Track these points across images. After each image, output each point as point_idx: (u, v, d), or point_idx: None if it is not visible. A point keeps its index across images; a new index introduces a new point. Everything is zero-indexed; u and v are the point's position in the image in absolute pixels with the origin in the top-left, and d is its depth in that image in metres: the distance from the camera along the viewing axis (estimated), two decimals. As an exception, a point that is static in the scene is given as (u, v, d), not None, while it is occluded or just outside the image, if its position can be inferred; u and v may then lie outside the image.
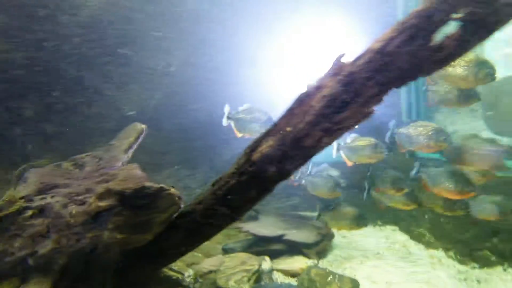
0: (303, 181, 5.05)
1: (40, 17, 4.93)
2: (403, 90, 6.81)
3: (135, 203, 2.73)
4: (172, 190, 2.83)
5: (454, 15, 1.96)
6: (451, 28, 2.04)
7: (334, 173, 5.04)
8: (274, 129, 2.57)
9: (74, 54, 5.28)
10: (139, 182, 2.95)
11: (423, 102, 6.64)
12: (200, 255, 4.62)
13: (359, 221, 4.56)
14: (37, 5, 4.88)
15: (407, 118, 6.85)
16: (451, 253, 5.04)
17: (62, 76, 5.24)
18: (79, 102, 5.46)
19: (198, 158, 6.57)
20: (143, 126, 3.90)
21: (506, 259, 4.56)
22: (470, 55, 3.37)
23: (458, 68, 3.39)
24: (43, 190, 3.11)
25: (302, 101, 2.43)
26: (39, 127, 5.20)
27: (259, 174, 2.60)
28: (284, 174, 2.63)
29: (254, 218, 5.70)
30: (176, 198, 2.85)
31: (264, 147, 2.57)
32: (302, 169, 4.86)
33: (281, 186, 2.74)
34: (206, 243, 3.15)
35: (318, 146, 2.49)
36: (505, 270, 4.50)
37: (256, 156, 2.59)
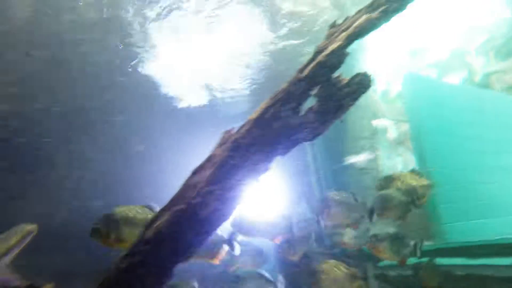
0: None
1: None
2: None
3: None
4: (48, 286, 2.36)
5: (311, 91, 2.42)
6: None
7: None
8: (170, 204, 2.50)
9: None
10: (4, 283, 2.43)
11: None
12: None
13: None
14: None
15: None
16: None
17: None
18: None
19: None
20: (33, 226, 3.43)
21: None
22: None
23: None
24: None
25: (195, 173, 2.50)
26: None
27: (154, 254, 2.36)
28: (181, 253, 2.42)
29: None
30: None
31: (158, 223, 2.43)
32: None
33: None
34: None
35: (215, 217, 2.43)
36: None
37: (150, 233, 2.41)
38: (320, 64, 2.38)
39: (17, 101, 5.26)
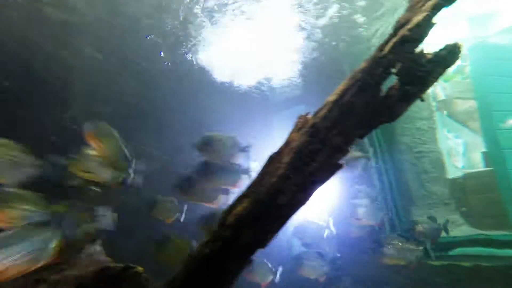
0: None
1: None
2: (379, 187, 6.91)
3: None
4: (139, 269, 2.52)
5: (392, 70, 2.28)
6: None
7: None
8: (248, 190, 2.53)
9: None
10: (100, 266, 2.64)
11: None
12: None
13: None
14: None
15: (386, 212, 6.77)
16: None
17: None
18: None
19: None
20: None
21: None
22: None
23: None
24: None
25: (273, 158, 2.49)
26: None
27: (236, 240, 2.41)
28: (262, 239, 2.45)
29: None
30: (144, 280, 2.52)
31: (239, 209, 2.47)
32: None
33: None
34: None
35: (293, 204, 2.42)
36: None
37: (230, 219, 2.46)
38: (402, 39, 2.22)
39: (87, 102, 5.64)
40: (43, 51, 5.26)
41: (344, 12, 6.40)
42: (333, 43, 6.72)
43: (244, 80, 6.81)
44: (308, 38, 6.64)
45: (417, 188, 6.61)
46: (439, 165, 6.96)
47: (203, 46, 6.08)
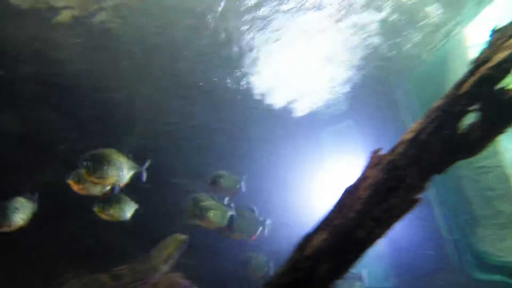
0: None
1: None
2: (436, 205, 6.69)
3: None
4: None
5: (471, 108, 2.30)
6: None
7: None
8: (324, 222, 2.63)
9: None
10: (185, 289, 2.84)
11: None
12: None
13: None
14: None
15: (447, 233, 6.51)
16: None
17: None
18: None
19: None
20: (184, 237, 3.93)
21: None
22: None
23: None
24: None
25: (349, 192, 2.58)
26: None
27: (315, 271, 2.52)
28: (340, 270, 2.54)
29: None
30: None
31: (316, 241, 2.58)
32: None
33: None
34: None
35: (370, 238, 2.49)
36: None
37: (309, 251, 2.57)
38: (483, 78, 2.25)
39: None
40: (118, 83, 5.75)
41: (393, 29, 6.38)
42: (381, 60, 6.70)
43: (291, 100, 6.96)
44: (355, 54, 6.68)
45: (482, 207, 6.22)
46: (505, 180, 6.43)
47: (256, 72, 6.31)
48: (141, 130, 6.03)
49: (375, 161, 2.53)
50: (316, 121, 7.66)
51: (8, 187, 4.45)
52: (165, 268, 3.62)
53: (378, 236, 2.49)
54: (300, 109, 7.33)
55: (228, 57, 6.05)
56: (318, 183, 7.90)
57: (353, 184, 2.59)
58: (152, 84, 5.98)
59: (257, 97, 6.74)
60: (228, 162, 6.77)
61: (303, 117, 7.37)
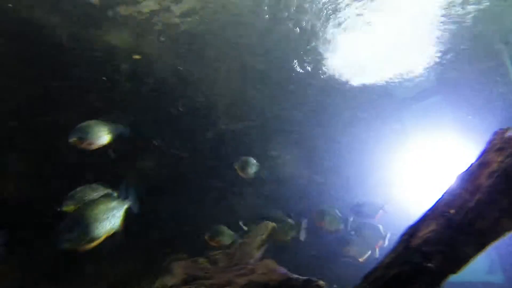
0: None
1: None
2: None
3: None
4: (320, 283, 2.66)
5: None
6: None
7: None
8: (433, 212, 2.41)
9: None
10: (283, 275, 2.88)
11: None
12: None
13: None
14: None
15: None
16: None
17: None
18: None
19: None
20: (274, 224, 4.01)
21: None
22: None
23: None
24: (187, 281, 3.23)
25: (465, 179, 2.31)
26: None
27: (424, 264, 2.32)
28: (455, 265, 2.29)
29: None
30: (325, 292, 2.65)
31: (425, 232, 2.37)
32: None
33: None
34: None
35: (495, 230, 2.19)
36: None
37: (416, 242, 2.38)
38: None
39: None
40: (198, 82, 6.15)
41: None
42: (473, 30, 5.86)
43: (373, 77, 6.53)
44: (445, 26, 5.95)
45: None
46: None
47: (332, 51, 6.09)
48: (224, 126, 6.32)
49: (499, 144, 2.22)
50: (398, 100, 7.08)
51: (115, 176, 4.99)
52: (259, 254, 3.72)
53: (506, 228, 2.18)
54: (380, 87, 6.82)
55: (307, 40, 5.92)
56: (403, 167, 7.32)
57: (469, 170, 2.31)
58: (237, 79, 6.19)
59: (341, 80, 6.48)
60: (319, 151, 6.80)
61: (384, 96, 6.87)
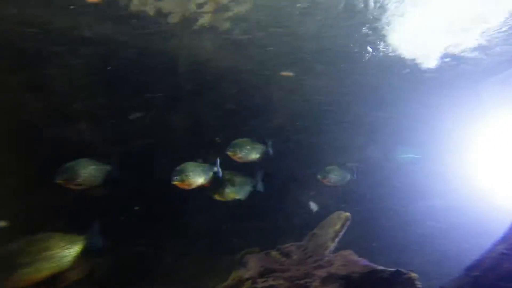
0: None
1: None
2: None
3: (363, 288, 2.43)
4: (413, 275, 2.41)
5: None
6: None
7: None
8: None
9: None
10: (366, 266, 2.69)
11: None
12: None
13: None
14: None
15: None
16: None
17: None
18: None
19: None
20: (348, 214, 3.79)
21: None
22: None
23: None
24: (263, 274, 3.19)
25: None
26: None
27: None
28: None
29: None
30: (417, 284, 2.40)
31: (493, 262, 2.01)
32: None
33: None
34: None
35: None
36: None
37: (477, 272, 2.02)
38: None
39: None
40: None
41: None
42: None
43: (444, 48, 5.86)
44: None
45: None
46: None
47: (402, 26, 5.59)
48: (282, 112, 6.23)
49: None
50: (475, 72, 6.23)
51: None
52: (333, 245, 3.55)
53: None
54: (452, 60, 6.08)
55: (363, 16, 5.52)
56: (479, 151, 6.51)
57: None
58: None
59: (407, 57, 5.95)
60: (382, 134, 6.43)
61: (456, 69, 6.11)
